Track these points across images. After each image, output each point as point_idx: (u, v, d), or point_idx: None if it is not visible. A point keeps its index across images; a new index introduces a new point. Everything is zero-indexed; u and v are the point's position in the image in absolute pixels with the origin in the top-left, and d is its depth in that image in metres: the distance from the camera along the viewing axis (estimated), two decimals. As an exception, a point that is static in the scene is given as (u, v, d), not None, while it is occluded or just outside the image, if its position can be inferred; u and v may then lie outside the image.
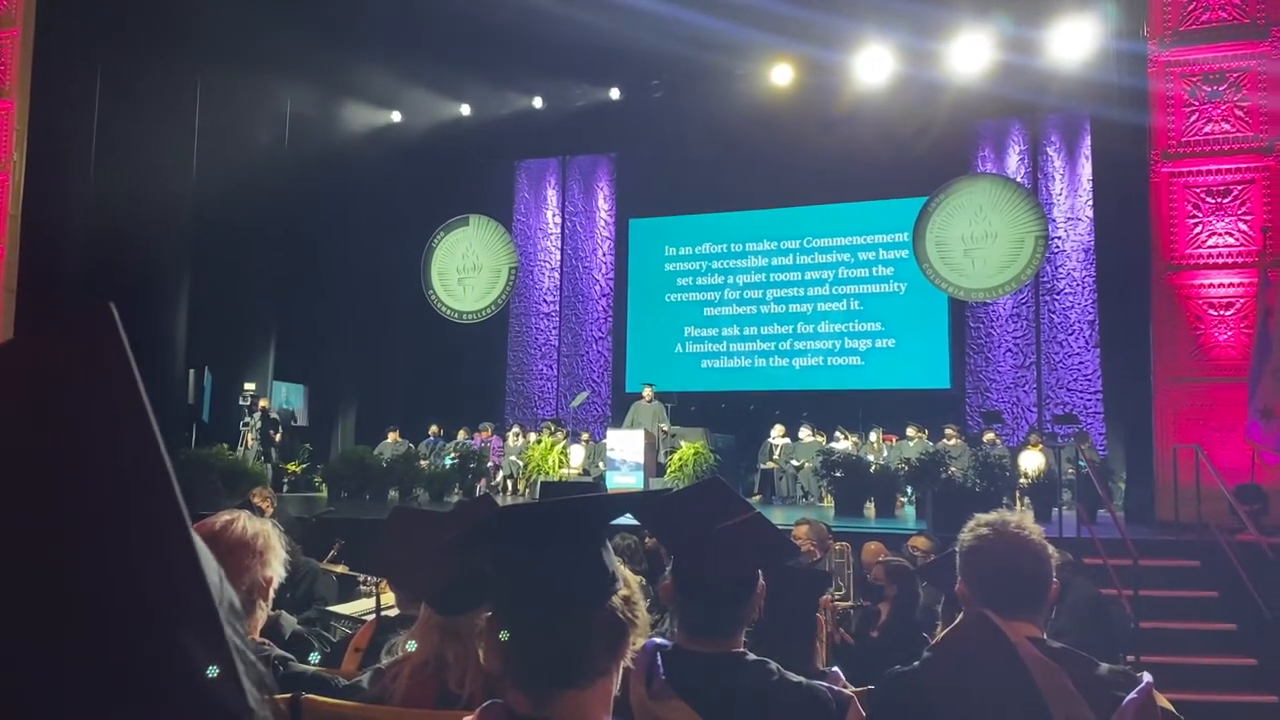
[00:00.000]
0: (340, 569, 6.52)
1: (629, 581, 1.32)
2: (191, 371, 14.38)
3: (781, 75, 15.12)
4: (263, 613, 2.18)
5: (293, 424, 16.32)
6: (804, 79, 15.19)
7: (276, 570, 2.17)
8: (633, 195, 18.93)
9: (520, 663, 1.24)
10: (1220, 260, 10.17)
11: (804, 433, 14.36)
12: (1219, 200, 10.20)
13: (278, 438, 15.12)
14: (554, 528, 1.29)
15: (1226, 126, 10.22)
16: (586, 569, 1.28)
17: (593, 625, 1.26)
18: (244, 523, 2.13)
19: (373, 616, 3.28)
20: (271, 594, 2.19)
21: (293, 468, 15.39)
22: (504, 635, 1.23)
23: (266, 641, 2.21)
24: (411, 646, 2.07)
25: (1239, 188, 10.17)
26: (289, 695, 1.99)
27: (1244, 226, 10.11)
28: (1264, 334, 9.26)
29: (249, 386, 15.07)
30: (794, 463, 13.96)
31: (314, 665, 2.30)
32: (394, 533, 2.27)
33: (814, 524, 6.63)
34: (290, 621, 3.17)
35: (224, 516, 2.13)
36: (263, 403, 15.04)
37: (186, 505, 0.59)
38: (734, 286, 18.07)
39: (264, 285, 15.59)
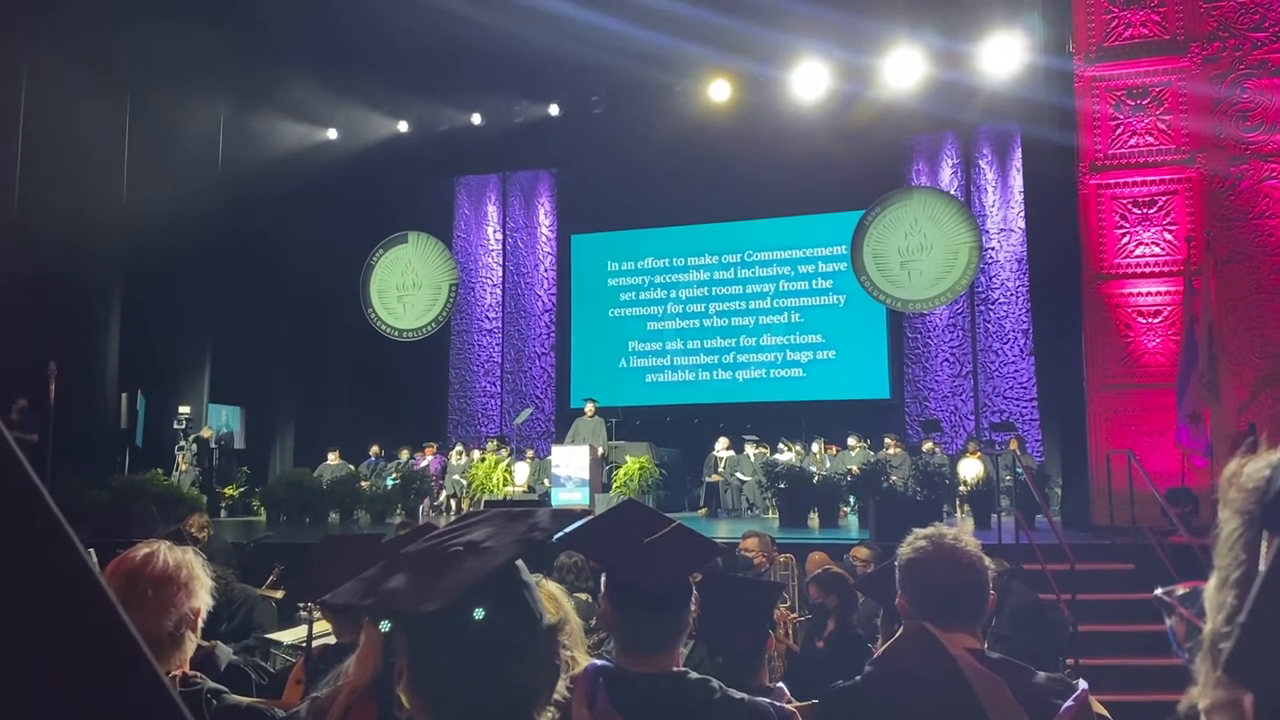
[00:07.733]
0: (279, 594, 6.40)
1: (556, 598, 1.24)
2: (124, 395, 14.06)
3: (719, 91, 15.26)
4: (192, 644, 2.12)
5: (229, 447, 16.01)
6: (741, 95, 15.34)
7: (204, 600, 2.10)
8: (574, 211, 18.93)
9: None
10: (1147, 269, 10.44)
11: (748, 445, 14.43)
12: (1145, 211, 10.48)
13: (214, 461, 14.83)
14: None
15: (1150, 140, 10.51)
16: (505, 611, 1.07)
17: (522, 677, 1.07)
18: (164, 555, 2.05)
19: (316, 643, 3.20)
20: (200, 624, 2.12)
21: (230, 491, 15.08)
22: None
23: (199, 675, 2.14)
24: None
25: (1164, 198, 10.45)
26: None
27: (1169, 236, 10.40)
28: (1190, 340, 9.50)
29: (183, 409, 14.77)
30: (739, 475, 14.00)
31: (250, 697, 2.24)
32: (326, 560, 2.22)
33: (761, 536, 6.66)
34: (226, 652, 3.08)
35: (143, 550, 2.05)
36: (205, 431, 14.76)
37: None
38: (676, 301, 18.13)
39: (198, 306, 15.30)
